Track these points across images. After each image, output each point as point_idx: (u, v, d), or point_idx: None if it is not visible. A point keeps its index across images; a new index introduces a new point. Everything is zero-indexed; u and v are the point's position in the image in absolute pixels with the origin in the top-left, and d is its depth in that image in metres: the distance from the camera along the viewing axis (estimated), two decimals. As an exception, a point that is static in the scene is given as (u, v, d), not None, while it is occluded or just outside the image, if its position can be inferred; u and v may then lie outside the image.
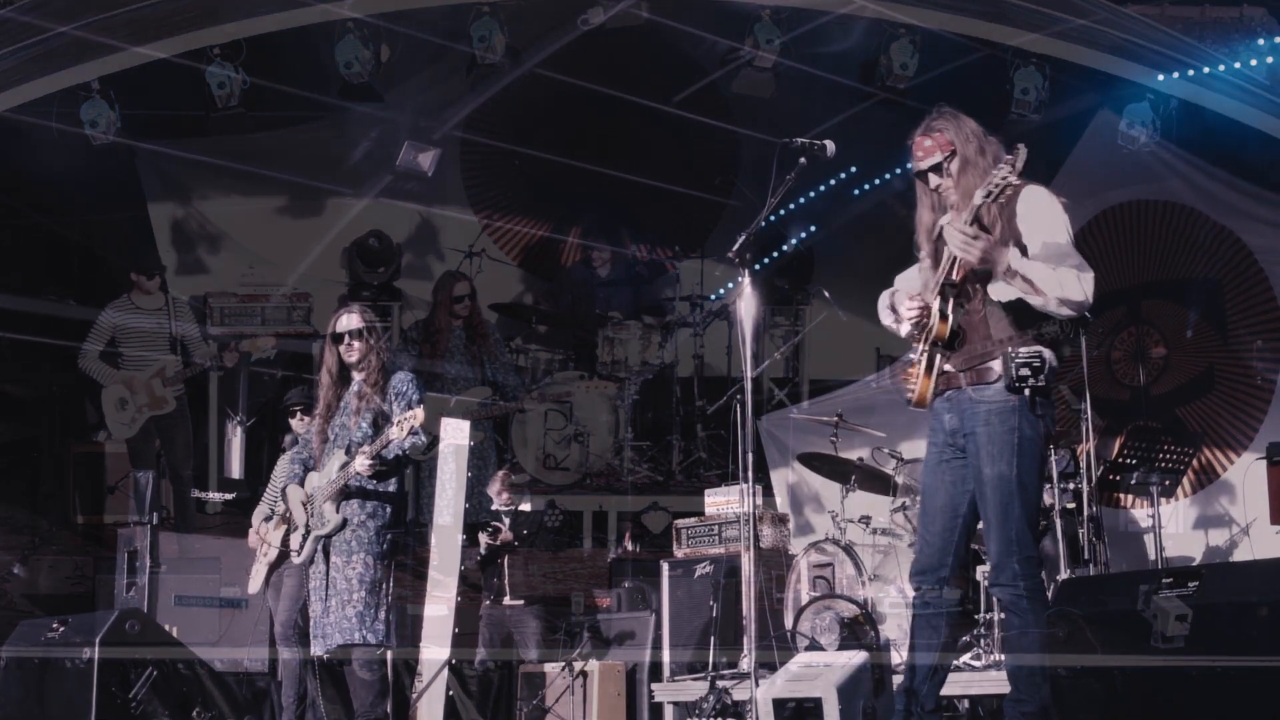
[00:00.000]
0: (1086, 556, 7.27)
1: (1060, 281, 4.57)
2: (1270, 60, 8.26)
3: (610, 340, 10.24)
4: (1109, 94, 9.18)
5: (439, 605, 7.13)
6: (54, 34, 7.64)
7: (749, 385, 5.22)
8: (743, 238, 5.10)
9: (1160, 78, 8.61)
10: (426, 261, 11.22)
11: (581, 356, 10.52)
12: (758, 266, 10.31)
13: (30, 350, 9.77)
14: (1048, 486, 7.18)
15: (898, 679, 5.24)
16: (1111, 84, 8.93)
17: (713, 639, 7.07)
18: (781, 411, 10.33)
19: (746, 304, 5.17)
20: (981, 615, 6.60)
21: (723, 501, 7.83)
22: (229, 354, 9.12)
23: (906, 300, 4.86)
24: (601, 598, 8.37)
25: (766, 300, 10.86)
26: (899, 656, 6.15)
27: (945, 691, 5.21)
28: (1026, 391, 4.64)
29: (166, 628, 7.32)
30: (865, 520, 7.74)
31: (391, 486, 6.19)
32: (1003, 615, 4.88)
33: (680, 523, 8.05)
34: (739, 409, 6.15)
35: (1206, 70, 8.38)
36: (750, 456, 5.26)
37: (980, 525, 4.82)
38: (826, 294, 10.51)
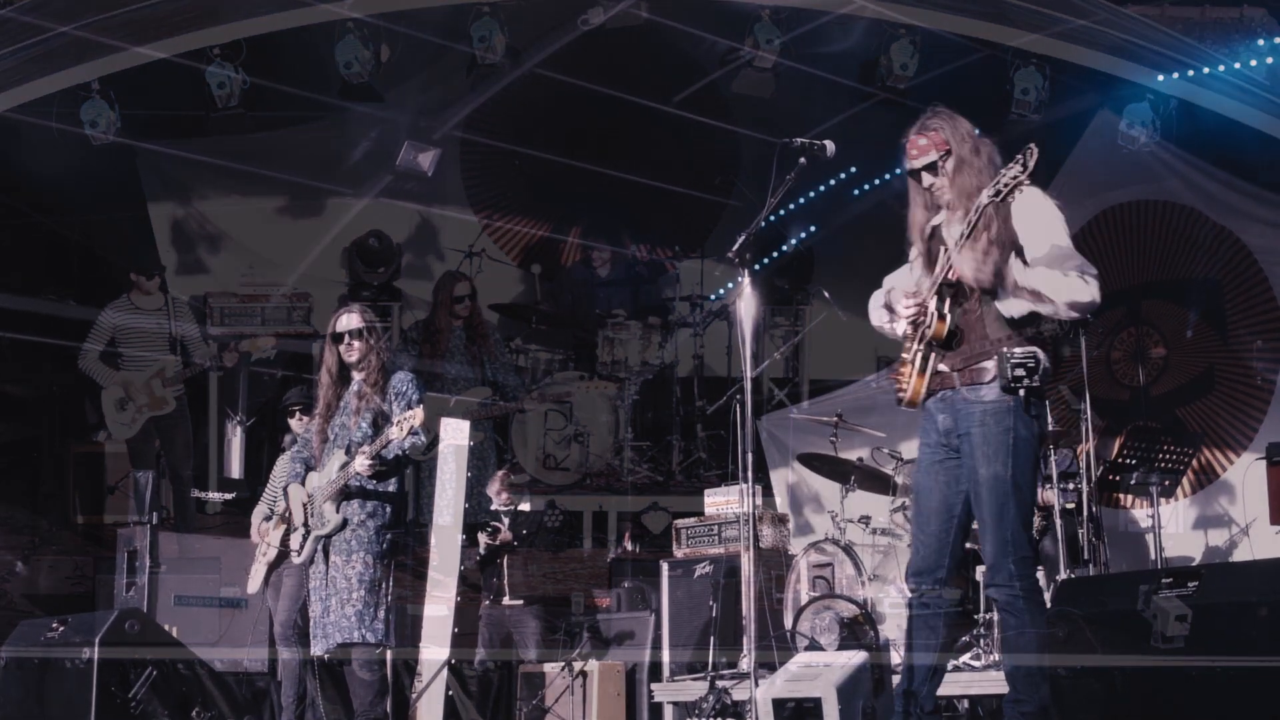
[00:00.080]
0: (1086, 557, 7.28)
1: (1068, 286, 4.57)
2: (1270, 60, 8.26)
3: (610, 340, 10.24)
4: (1109, 94, 9.18)
5: (439, 605, 7.12)
6: (54, 34, 7.64)
7: (749, 385, 5.21)
8: (743, 238, 5.10)
9: (1160, 78, 8.61)
10: (426, 261, 11.22)
11: (581, 356, 10.52)
12: (758, 266, 10.38)
13: (30, 350, 9.77)
14: (1049, 486, 7.19)
15: (897, 679, 5.24)
16: (1111, 84, 8.94)
17: (712, 639, 7.07)
18: (781, 411, 10.33)
19: (746, 304, 5.17)
20: (981, 615, 6.60)
21: (722, 501, 7.83)
22: (229, 354, 9.12)
23: (904, 299, 4.85)
24: (601, 598, 8.37)
25: (766, 300, 10.86)
26: (899, 656, 6.15)
27: (945, 692, 5.22)
28: (1021, 392, 4.63)
29: (166, 628, 7.31)
30: (865, 520, 7.74)
31: (391, 486, 6.19)
32: (999, 616, 4.86)
33: (680, 523, 8.05)
34: (739, 409, 6.14)
35: (1206, 70, 8.38)
36: (750, 456, 5.25)
37: (975, 525, 4.82)
38: (826, 294, 10.52)
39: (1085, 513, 7.36)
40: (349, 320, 6.24)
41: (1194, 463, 8.41)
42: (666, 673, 7.55)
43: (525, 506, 8.49)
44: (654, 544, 9.31)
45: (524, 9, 9.02)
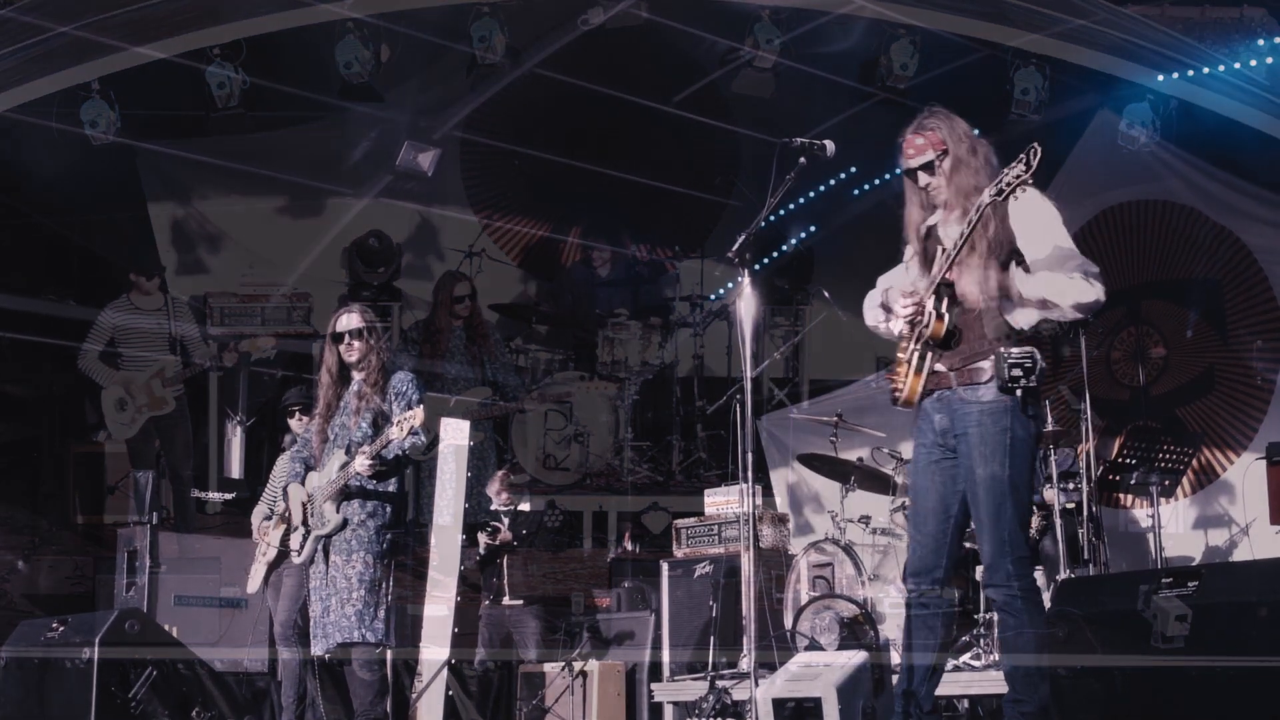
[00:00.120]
0: (1086, 556, 7.28)
1: (1073, 289, 4.55)
2: (1270, 60, 8.26)
3: (610, 340, 10.25)
4: (1109, 94, 9.18)
5: (439, 605, 7.13)
6: (54, 34, 7.64)
7: (749, 385, 5.21)
8: (743, 238, 5.10)
9: (1160, 78, 8.61)
10: (426, 261, 11.23)
11: (581, 356, 10.53)
12: (758, 266, 10.39)
13: (30, 350, 9.77)
14: (1050, 486, 7.19)
15: (897, 679, 5.24)
16: (1111, 84, 8.94)
17: (712, 639, 7.07)
18: (781, 411, 10.33)
19: (746, 304, 5.16)
20: (981, 615, 6.60)
21: (722, 501, 7.83)
22: (229, 354, 9.12)
23: (902, 298, 4.84)
24: (601, 598, 8.37)
25: (766, 300, 10.87)
26: (898, 656, 6.15)
27: (945, 691, 5.22)
28: (1018, 392, 4.63)
29: (166, 628, 7.31)
30: (865, 520, 7.74)
31: (391, 486, 6.19)
32: (998, 616, 4.86)
33: (680, 523, 8.04)
34: (739, 409, 6.14)
35: (1206, 70, 8.38)
36: (750, 456, 5.25)
37: (972, 525, 4.81)
38: (826, 294, 10.52)
39: (1085, 512, 7.36)
40: (349, 320, 6.24)
41: (1194, 463, 8.41)
42: (666, 673, 7.55)
43: (525, 506, 8.49)
44: (654, 544, 9.31)
45: (524, 9, 9.03)
